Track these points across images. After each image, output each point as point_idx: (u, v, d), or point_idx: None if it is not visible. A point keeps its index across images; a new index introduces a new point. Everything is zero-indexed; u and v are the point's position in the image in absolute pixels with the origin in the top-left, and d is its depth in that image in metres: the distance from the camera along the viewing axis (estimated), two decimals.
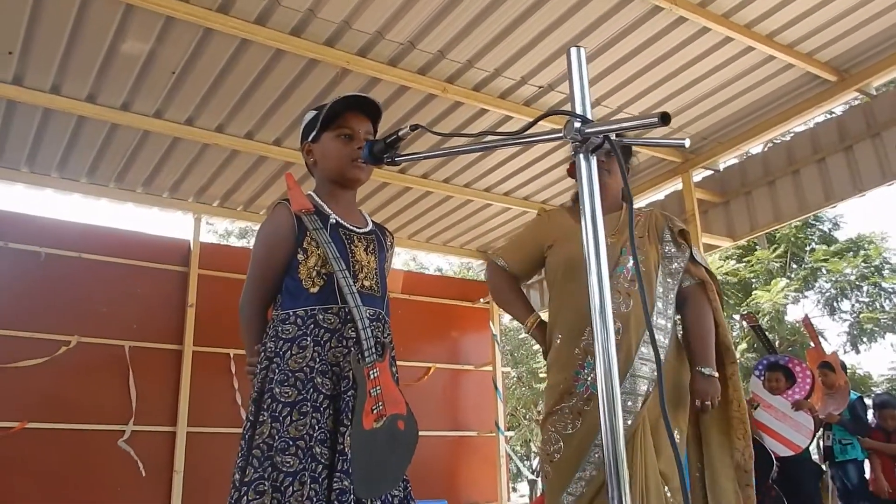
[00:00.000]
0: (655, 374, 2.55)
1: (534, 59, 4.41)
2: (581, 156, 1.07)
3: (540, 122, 1.25)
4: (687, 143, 1.24)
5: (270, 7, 3.83)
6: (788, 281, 14.08)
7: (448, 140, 5.08)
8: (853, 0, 4.00)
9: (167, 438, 5.52)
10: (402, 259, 19.26)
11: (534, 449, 19.93)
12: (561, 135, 1.08)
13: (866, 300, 14.32)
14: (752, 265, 14.19)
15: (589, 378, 2.49)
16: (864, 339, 14.21)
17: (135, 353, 5.51)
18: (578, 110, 1.07)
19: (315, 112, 2.13)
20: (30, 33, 3.92)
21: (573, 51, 1.10)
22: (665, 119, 0.98)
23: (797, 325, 14.25)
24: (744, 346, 14.00)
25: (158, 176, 5.52)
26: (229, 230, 20.07)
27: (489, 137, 1.38)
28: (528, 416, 18.80)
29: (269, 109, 4.75)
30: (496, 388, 7.21)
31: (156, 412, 5.52)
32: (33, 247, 5.36)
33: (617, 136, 2.78)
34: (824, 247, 14.22)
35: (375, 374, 1.86)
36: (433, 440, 6.66)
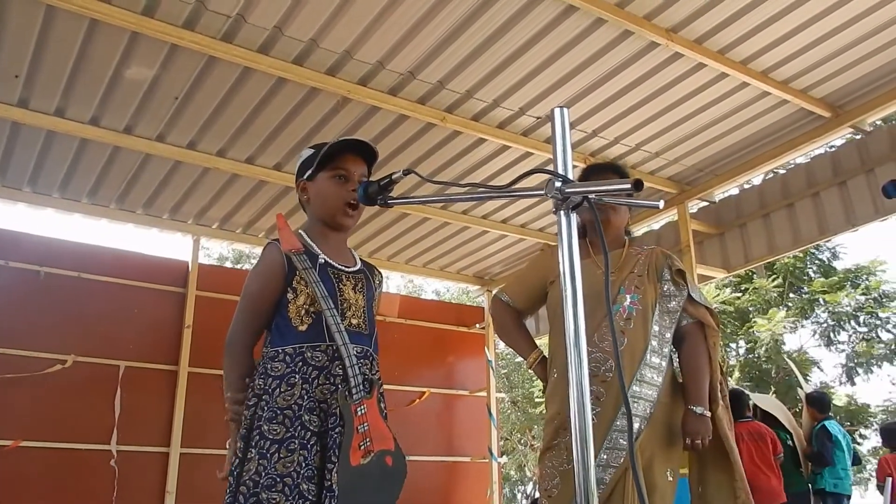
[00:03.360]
0: (648, 412, 2.59)
1: (532, 91, 4.48)
2: (561, 213, 1.12)
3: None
4: (661, 204, 1.29)
5: (274, 36, 3.90)
6: (786, 310, 14.10)
7: (442, 163, 5.20)
8: (847, 38, 4.06)
9: (161, 459, 5.52)
10: (400, 282, 19.29)
11: (528, 474, 19.82)
12: (543, 192, 1.13)
13: (864, 330, 14.33)
14: (750, 294, 14.22)
15: None
16: (860, 371, 14.20)
17: (130, 373, 5.53)
18: (560, 170, 1.12)
19: (312, 150, 2.17)
20: (36, 58, 3.98)
21: (557, 111, 1.14)
22: (638, 186, 1.03)
23: (794, 354, 14.26)
24: (737, 374, 14.00)
25: (159, 198, 5.57)
26: (224, 255, 20.08)
27: (469, 189, 1.42)
28: (522, 441, 18.73)
29: (270, 135, 4.81)
30: (490, 413, 7.22)
31: (150, 433, 5.53)
32: (33, 266, 5.39)
33: (594, 171, 2.85)
34: (822, 278, 14.24)
35: (363, 411, 1.91)
36: (427, 465, 6.66)
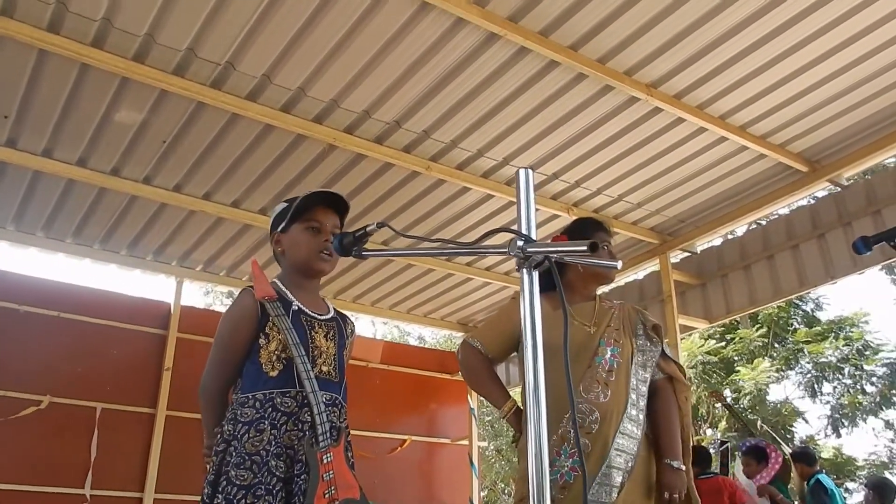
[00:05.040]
0: (629, 466, 2.59)
1: (516, 142, 4.56)
2: (523, 271, 1.15)
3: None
4: (619, 265, 1.33)
5: (262, 84, 3.97)
6: (771, 361, 14.12)
7: (426, 210, 5.27)
8: (824, 95, 4.17)
9: None
10: (385, 328, 19.19)
11: None
12: (505, 250, 1.16)
13: (848, 382, 14.34)
14: (735, 344, 14.25)
15: (565, 466, 2.51)
16: (845, 423, 14.18)
17: (107, 416, 5.47)
18: (524, 229, 1.16)
19: (285, 204, 2.23)
20: (27, 99, 4.02)
21: (522, 173, 1.18)
22: (593, 247, 1.07)
23: (778, 405, 14.24)
24: (724, 424, 13.95)
25: (143, 239, 5.58)
26: (219, 291, 19.90)
27: (439, 245, 1.46)
28: (506, 491, 18.49)
29: (257, 180, 4.85)
30: (472, 463, 7.15)
31: (125, 476, 5.44)
32: (12, 304, 5.36)
33: (585, 225, 2.90)
34: (805, 328, 14.30)
35: (329, 459, 1.91)
36: None
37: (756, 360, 13.79)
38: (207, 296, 19.27)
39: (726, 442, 7.17)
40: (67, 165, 4.58)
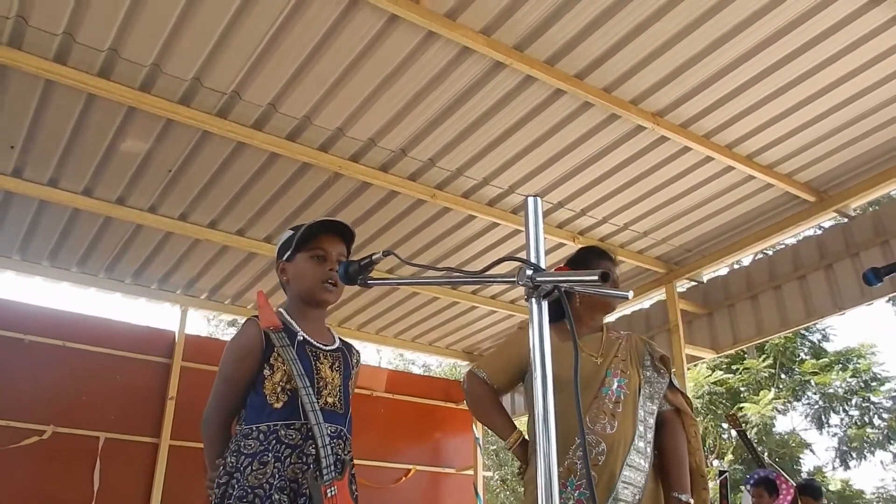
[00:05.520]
0: (637, 498, 2.55)
1: (522, 170, 4.55)
2: (532, 300, 1.13)
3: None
4: (630, 294, 1.31)
5: (268, 113, 3.98)
6: (777, 392, 13.99)
7: (431, 238, 5.26)
8: (831, 125, 4.16)
9: None
10: (391, 356, 19.11)
11: None
12: (514, 279, 1.14)
13: (856, 414, 14.19)
14: (741, 374, 14.13)
15: (571, 498, 2.47)
16: (853, 455, 14.00)
17: (110, 445, 5.41)
18: (532, 258, 1.14)
19: (291, 232, 2.21)
20: (33, 129, 4.03)
21: (530, 200, 1.17)
22: (604, 277, 1.05)
23: (785, 436, 14.08)
24: (730, 456, 13.79)
25: (148, 268, 5.57)
26: (220, 320, 19.83)
27: (445, 273, 1.44)
28: None
29: (262, 208, 4.84)
30: (477, 493, 7.06)
31: None
32: (17, 333, 5.34)
33: (589, 255, 2.87)
34: (813, 359, 14.18)
35: (333, 493, 1.88)
36: None
37: (762, 392, 13.67)
38: (210, 324, 19.24)
39: (725, 471, 7.09)
40: (73, 195, 4.58)
